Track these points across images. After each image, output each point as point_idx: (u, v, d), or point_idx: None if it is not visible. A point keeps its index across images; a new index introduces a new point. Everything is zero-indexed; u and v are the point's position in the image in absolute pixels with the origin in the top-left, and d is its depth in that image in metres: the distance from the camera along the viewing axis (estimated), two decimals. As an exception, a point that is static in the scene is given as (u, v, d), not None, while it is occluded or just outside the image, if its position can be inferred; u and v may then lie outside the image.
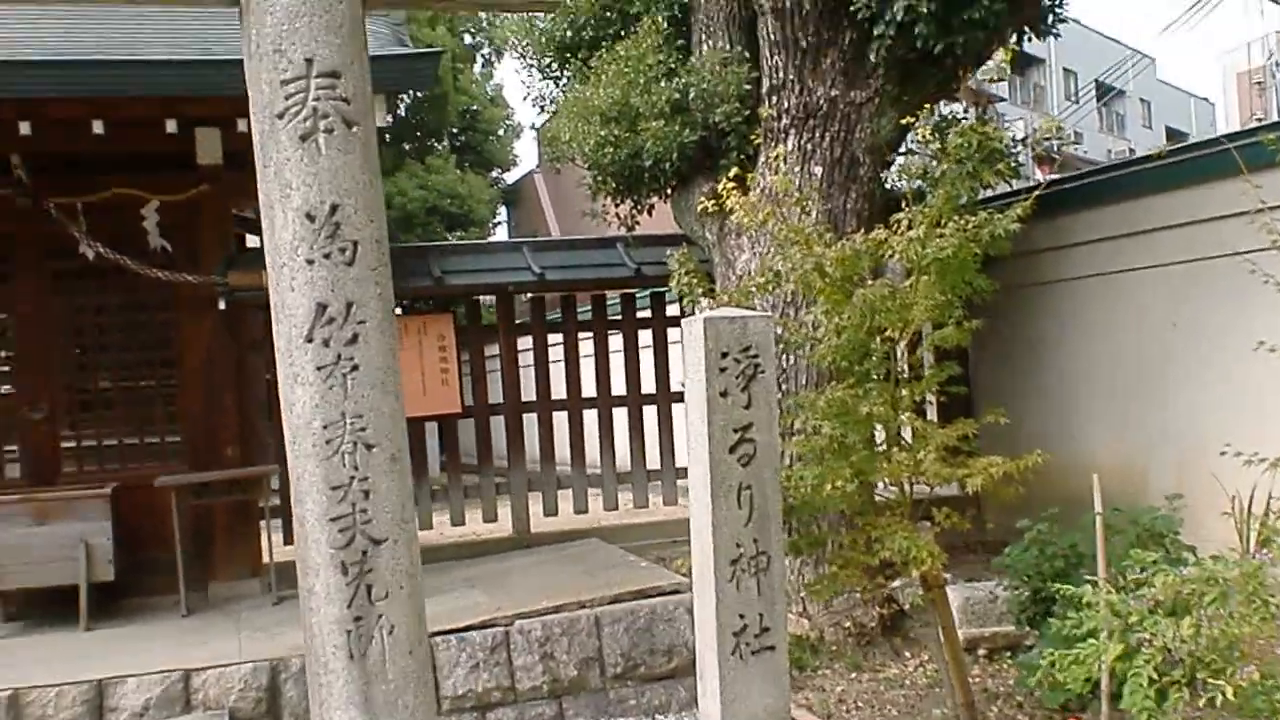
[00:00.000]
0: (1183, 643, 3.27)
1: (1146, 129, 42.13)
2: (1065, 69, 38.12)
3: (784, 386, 6.57)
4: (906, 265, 4.55)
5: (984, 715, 5.31)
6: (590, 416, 8.98)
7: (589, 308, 9.14)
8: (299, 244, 3.24)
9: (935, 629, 4.86)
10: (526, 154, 30.50)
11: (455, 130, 25.35)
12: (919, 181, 4.74)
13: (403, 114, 23.43)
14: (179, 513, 7.21)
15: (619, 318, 9.07)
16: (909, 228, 4.40)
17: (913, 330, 4.69)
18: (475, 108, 25.28)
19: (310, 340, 3.25)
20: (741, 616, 4.19)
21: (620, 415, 9.01)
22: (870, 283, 4.49)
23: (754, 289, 4.80)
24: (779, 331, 4.97)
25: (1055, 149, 9.23)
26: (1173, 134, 38.75)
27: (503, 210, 29.55)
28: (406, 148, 24.00)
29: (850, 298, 4.49)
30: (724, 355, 4.15)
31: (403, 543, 3.29)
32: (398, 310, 7.39)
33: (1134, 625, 3.47)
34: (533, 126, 28.31)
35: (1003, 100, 28.54)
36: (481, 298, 9.28)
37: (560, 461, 9.20)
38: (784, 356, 6.17)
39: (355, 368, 3.26)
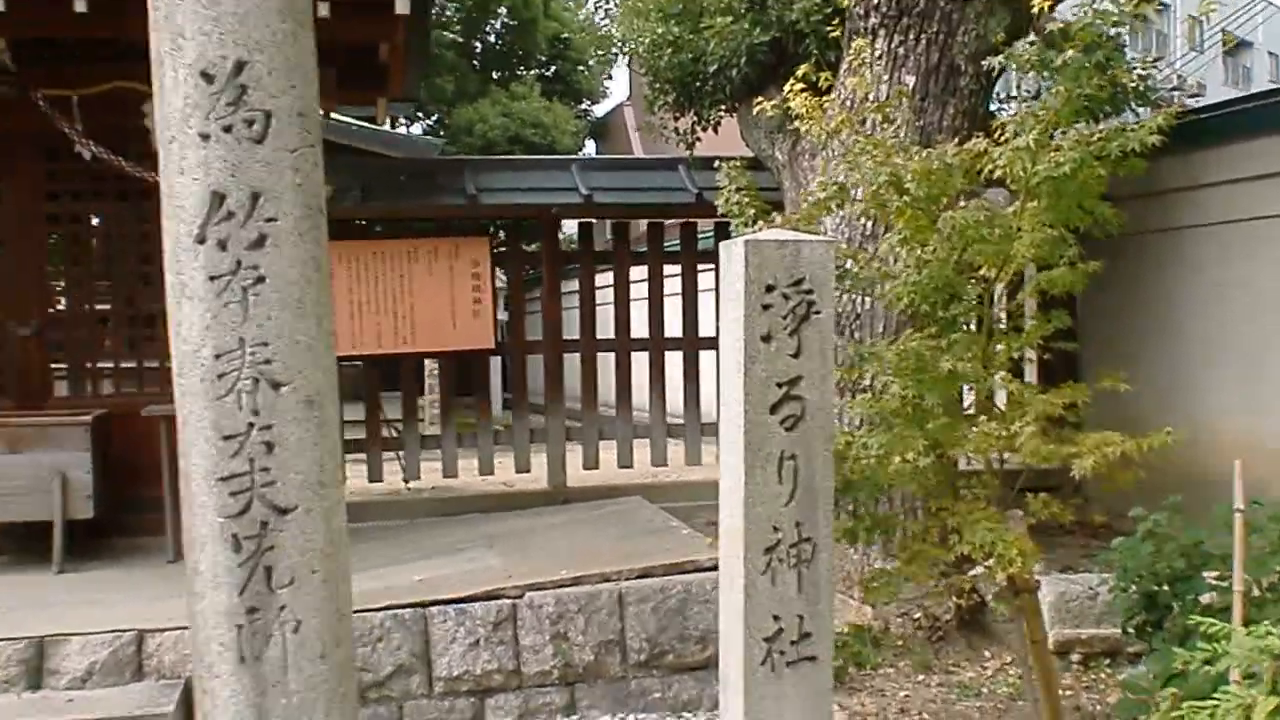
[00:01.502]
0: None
1: (1274, 84, 39.73)
2: (1191, 15, 35.94)
3: (848, 334, 5.75)
4: (1011, 186, 3.67)
5: (1077, 744, 4.51)
6: (640, 360, 8.22)
7: (644, 238, 8.33)
8: (192, 112, 2.50)
9: (1021, 631, 4.04)
10: (618, 86, 29.77)
11: (544, 58, 24.75)
12: (1031, 76, 3.83)
13: (491, 39, 23.08)
14: (169, 445, 6.63)
15: (677, 249, 8.24)
16: (1015, 135, 3.52)
17: (1014, 269, 3.83)
18: (566, 35, 24.62)
19: (202, 241, 2.52)
20: (776, 618, 3.42)
21: (674, 360, 8.24)
22: (963, 205, 3.62)
23: (814, 209, 3.95)
24: (845, 265, 4.14)
25: (1175, 99, 8.17)
26: (1306, 87, 36.38)
27: (590, 144, 28.71)
28: (494, 75, 23.63)
29: (936, 224, 3.64)
30: (769, 288, 3.34)
31: (318, 513, 2.58)
32: (420, 235, 6.77)
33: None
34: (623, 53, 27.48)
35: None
36: (524, 222, 8.51)
37: (604, 409, 8.48)
38: (850, 297, 5.33)
39: (260, 280, 2.53)
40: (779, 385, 3.36)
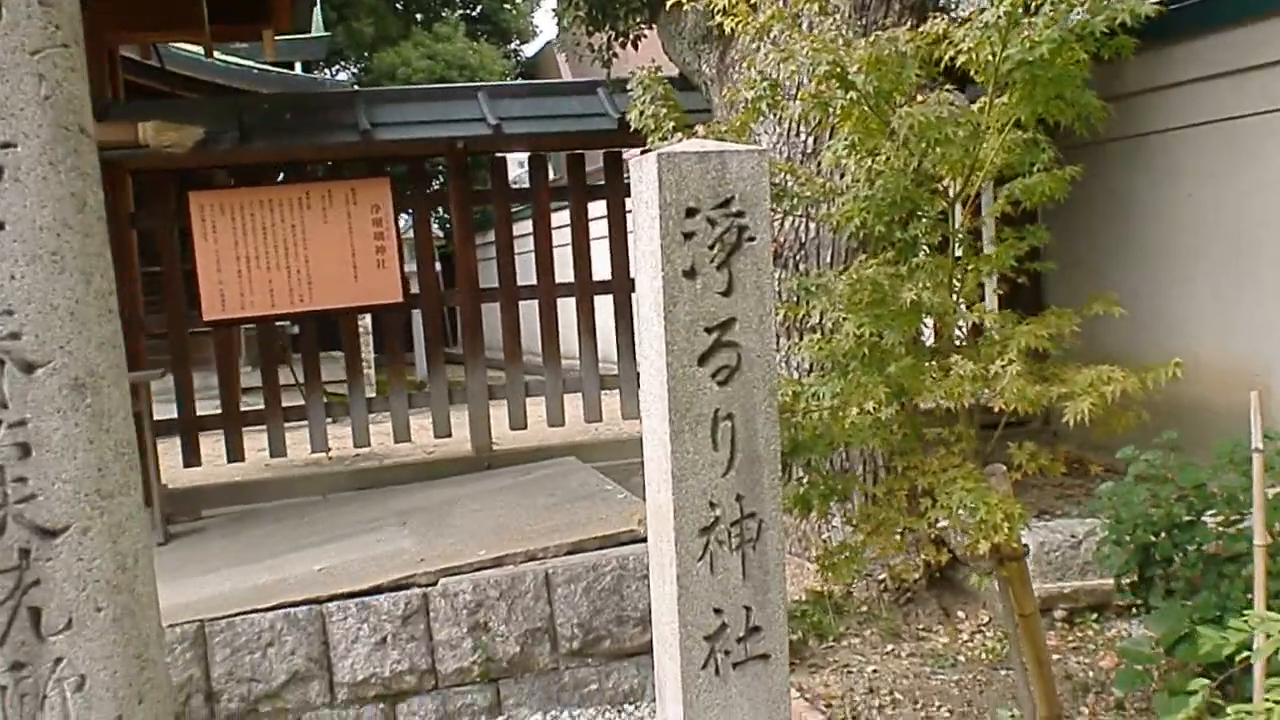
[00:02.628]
0: None
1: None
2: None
3: (791, 266, 5.22)
4: (977, 77, 3.12)
5: (1070, 720, 4.06)
6: (567, 306, 7.64)
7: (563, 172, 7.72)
8: (-116, 1, 1.87)
9: (1007, 602, 3.55)
10: (547, 24, 29.06)
11: None
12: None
13: None
14: (34, 431, 5.98)
15: (601, 183, 7.63)
16: (981, 12, 2.96)
17: (983, 178, 3.29)
18: None
19: (-93, 177, 1.91)
20: (718, 612, 2.90)
21: (604, 304, 7.67)
22: (922, 100, 3.06)
23: (744, 116, 3.37)
24: (782, 182, 3.57)
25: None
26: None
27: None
28: (417, 17, 23.07)
29: (889, 126, 3.08)
30: (690, 212, 2.79)
31: (100, 533, 2.00)
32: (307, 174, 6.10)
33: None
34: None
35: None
36: (429, 159, 7.83)
37: (530, 363, 7.90)
38: (790, 221, 4.79)
39: (-3, 226, 1.92)
40: (708, 330, 2.82)
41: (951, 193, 3.36)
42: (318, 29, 15.52)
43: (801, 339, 3.74)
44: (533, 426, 7.81)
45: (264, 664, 4.48)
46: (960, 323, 3.26)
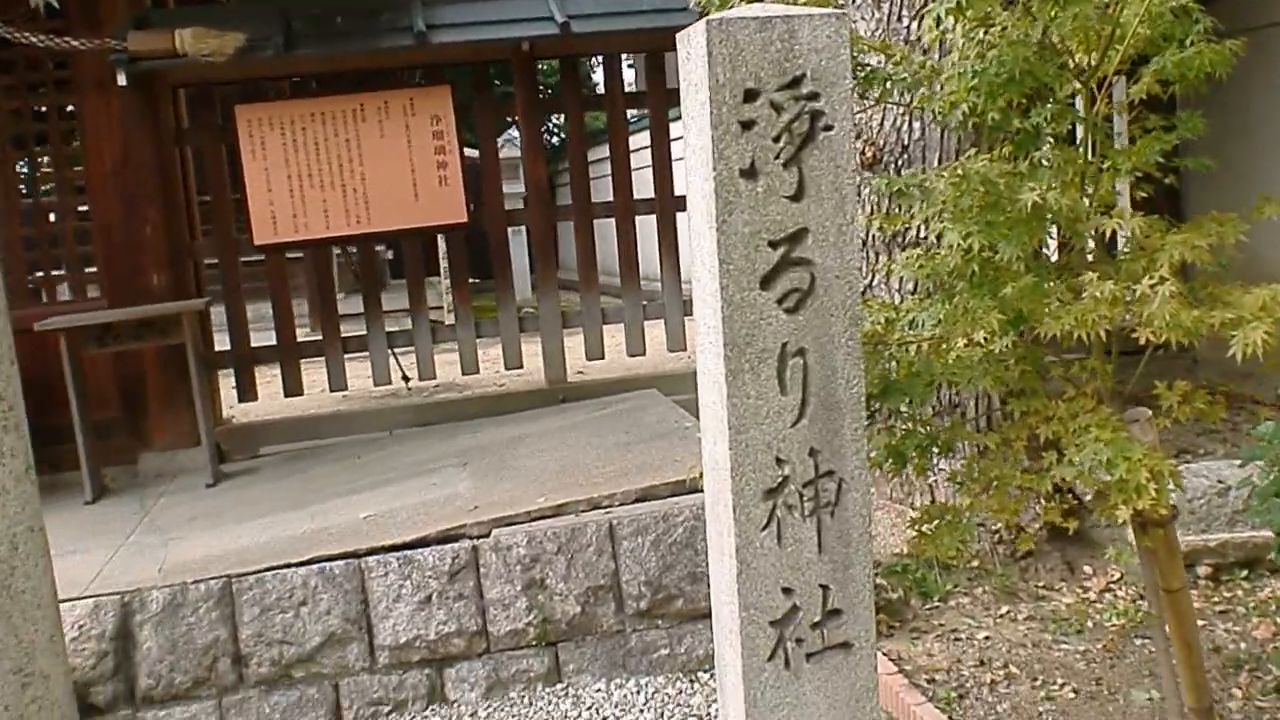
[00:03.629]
0: None
1: None
2: None
3: (893, 171, 4.62)
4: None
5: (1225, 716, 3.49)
6: (647, 225, 7.11)
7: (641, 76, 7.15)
8: None
9: (1151, 575, 2.98)
10: None
11: None
12: None
13: None
14: (72, 365, 5.71)
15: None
16: None
17: (1124, 51, 2.68)
18: None
19: None
20: (788, 593, 2.41)
21: (687, 223, 7.12)
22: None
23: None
24: (867, 61, 2.99)
25: None
26: None
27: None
28: None
29: (1006, -18, 2.49)
30: (750, 96, 2.26)
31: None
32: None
33: None
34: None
35: None
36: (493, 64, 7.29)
37: (608, 286, 7.42)
38: (883, 114, 4.18)
39: None
40: (772, 245, 2.30)
41: (1083, 71, 2.75)
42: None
43: (895, 256, 3.19)
44: (612, 356, 7.35)
45: (296, 624, 4.13)
46: (1093, 231, 2.67)
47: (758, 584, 2.38)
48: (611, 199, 7.07)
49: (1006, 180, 2.44)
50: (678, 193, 7.04)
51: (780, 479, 2.36)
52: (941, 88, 2.79)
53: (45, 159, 6.64)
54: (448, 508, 4.65)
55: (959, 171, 2.40)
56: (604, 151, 7.21)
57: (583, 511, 4.46)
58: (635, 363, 7.50)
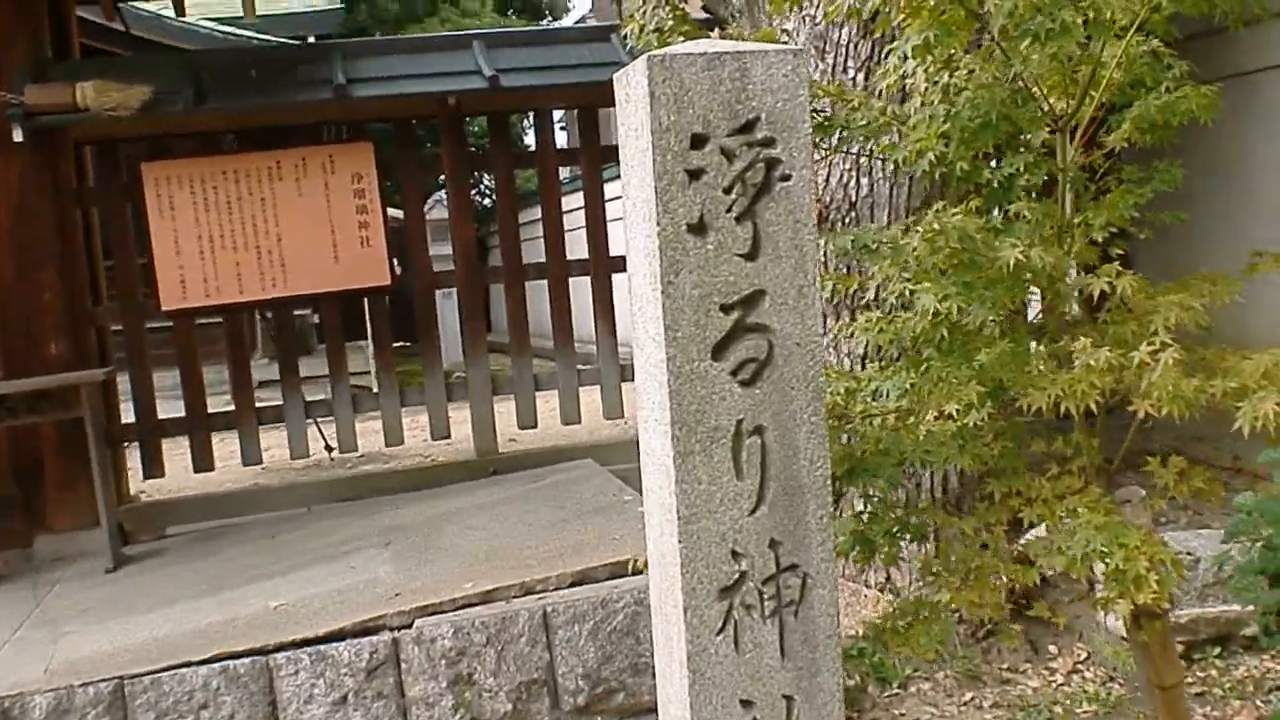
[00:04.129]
0: None
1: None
2: None
3: (827, 224, 4.42)
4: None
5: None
6: (582, 287, 6.87)
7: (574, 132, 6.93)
8: None
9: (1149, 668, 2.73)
10: (581, 0, 28.49)
11: None
12: None
13: None
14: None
15: (617, 144, 6.84)
16: None
17: (1100, 95, 2.48)
18: None
19: None
20: (747, 705, 2.14)
21: (623, 282, 6.88)
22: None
23: (773, 6, 2.56)
24: (823, 108, 2.77)
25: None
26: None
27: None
28: None
29: (980, 16, 2.28)
30: (697, 141, 2.03)
31: None
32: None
33: None
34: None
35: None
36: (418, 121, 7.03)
37: (541, 349, 7.15)
38: (838, 174, 3.99)
39: None
40: (724, 309, 2.06)
41: (1058, 117, 2.55)
42: (332, 1, 14.74)
43: (853, 319, 2.96)
44: (546, 424, 7.06)
45: (196, 732, 3.76)
46: (1077, 292, 2.45)
47: (713, 696, 2.11)
48: (544, 260, 6.81)
49: (983, 236, 2.21)
50: (614, 253, 6.80)
51: (737, 575, 2.10)
52: (904, 136, 2.57)
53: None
54: (366, 595, 4.31)
55: (934, 226, 2.17)
56: (536, 213, 6.97)
57: (514, 597, 4.14)
58: (570, 431, 7.21)
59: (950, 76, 2.46)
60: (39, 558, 5.95)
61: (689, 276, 2.03)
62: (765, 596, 2.12)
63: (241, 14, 7.82)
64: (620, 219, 6.67)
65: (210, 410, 6.51)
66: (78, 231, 6.17)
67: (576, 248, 6.81)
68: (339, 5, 14.79)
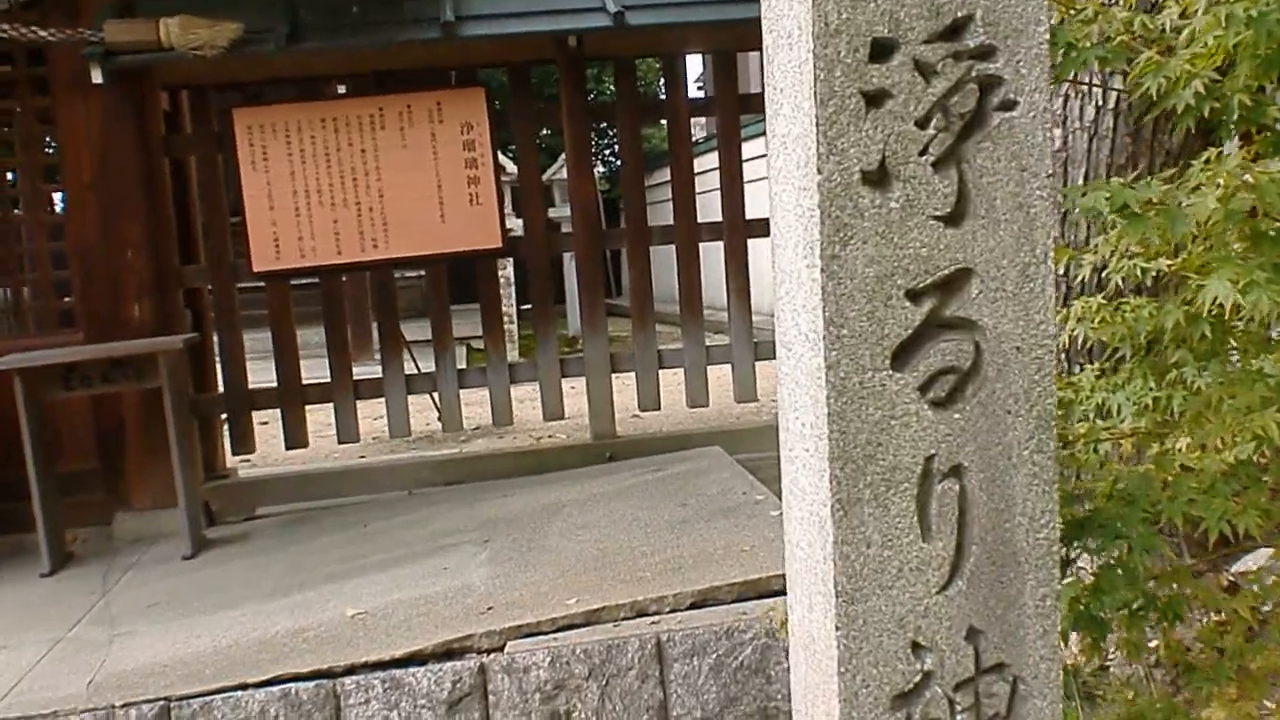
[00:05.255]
0: None
1: None
2: None
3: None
4: None
5: None
6: (713, 252, 6.26)
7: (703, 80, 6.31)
8: None
9: None
10: None
11: None
12: None
13: None
14: (29, 411, 4.97)
15: (760, 92, 6.19)
16: None
17: None
18: None
19: None
20: None
21: (762, 249, 6.26)
22: None
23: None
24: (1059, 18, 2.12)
25: None
26: None
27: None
28: None
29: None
30: (880, 50, 1.43)
31: None
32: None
33: None
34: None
35: None
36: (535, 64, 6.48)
37: (667, 316, 6.58)
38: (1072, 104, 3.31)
39: None
40: (913, 297, 1.45)
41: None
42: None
43: (1065, 304, 2.32)
44: (669, 405, 6.49)
45: (249, 767, 3.30)
46: None
47: (879, 846, 1.51)
48: (672, 222, 6.22)
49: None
50: (750, 216, 6.18)
51: (919, 677, 1.50)
52: (1152, 62, 1.90)
53: (13, 172, 5.92)
54: (455, 606, 3.81)
55: (1239, 177, 1.52)
56: (666, 175, 6.37)
57: (624, 619, 3.60)
58: (696, 413, 6.63)
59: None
60: (118, 537, 5.63)
61: (862, 248, 1.42)
62: (958, 709, 1.51)
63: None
64: (761, 179, 6.05)
65: (305, 382, 6.09)
66: (166, 184, 5.79)
67: (709, 212, 6.20)
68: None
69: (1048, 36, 1.45)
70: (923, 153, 1.44)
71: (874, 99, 1.42)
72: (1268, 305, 1.45)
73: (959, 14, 1.42)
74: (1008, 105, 1.45)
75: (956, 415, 1.48)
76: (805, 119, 1.43)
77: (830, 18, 1.39)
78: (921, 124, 1.43)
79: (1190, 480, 1.70)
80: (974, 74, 1.44)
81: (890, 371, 1.45)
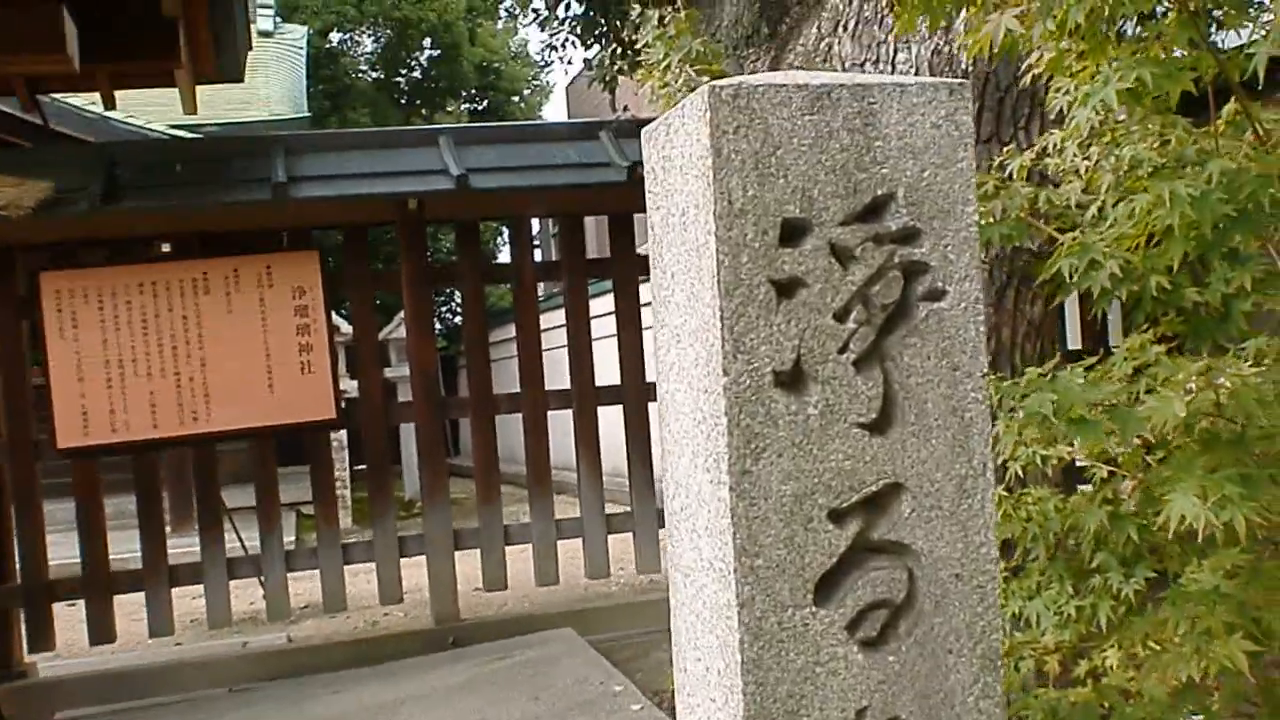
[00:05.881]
0: None
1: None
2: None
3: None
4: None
5: None
6: (560, 420, 6.04)
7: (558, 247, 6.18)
8: None
9: None
10: (557, 115, 28.76)
11: (473, 90, 23.67)
12: None
13: (414, 73, 22.47)
14: None
15: (607, 255, 6.06)
16: None
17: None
18: (496, 64, 23.56)
19: None
20: None
21: (611, 416, 6.06)
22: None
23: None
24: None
25: None
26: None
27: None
28: (421, 110, 22.55)
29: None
30: (791, 232, 1.24)
31: None
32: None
33: None
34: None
35: None
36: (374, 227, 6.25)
37: (513, 477, 6.29)
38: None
39: None
40: (835, 518, 1.24)
41: None
42: (298, 109, 14.12)
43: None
44: (516, 583, 6.15)
45: None
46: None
47: None
48: (518, 390, 6.00)
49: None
50: (599, 382, 6.00)
51: None
52: (1063, 244, 1.77)
53: None
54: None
55: (1220, 380, 1.36)
56: (509, 331, 6.17)
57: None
58: (546, 591, 6.31)
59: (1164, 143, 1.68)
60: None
61: (776, 462, 1.22)
62: None
63: (192, 118, 7.10)
64: (608, 337, 5.79)
65: (115, 568, 5.59)
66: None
67: (555, 372, 6.00)
68: (305, 114, 14.21)
69: (976, 217, 1.29)
70: (843, 350, 1.25)
71: (786, 288, 1.23)
72: (1243, 525, 1.29)
73: (879, 192, 1.26)
74: (935, 295, 1.28)
75: (891, 658, 1.26)
76: (706, 310, 1.23)
77: (734, 195, 1.21)
78: (840, 317, 1.25)
79: (1138, 712, 1.51)
80: (897, 260, 1.27)
81: (813, 608, 1.24)
